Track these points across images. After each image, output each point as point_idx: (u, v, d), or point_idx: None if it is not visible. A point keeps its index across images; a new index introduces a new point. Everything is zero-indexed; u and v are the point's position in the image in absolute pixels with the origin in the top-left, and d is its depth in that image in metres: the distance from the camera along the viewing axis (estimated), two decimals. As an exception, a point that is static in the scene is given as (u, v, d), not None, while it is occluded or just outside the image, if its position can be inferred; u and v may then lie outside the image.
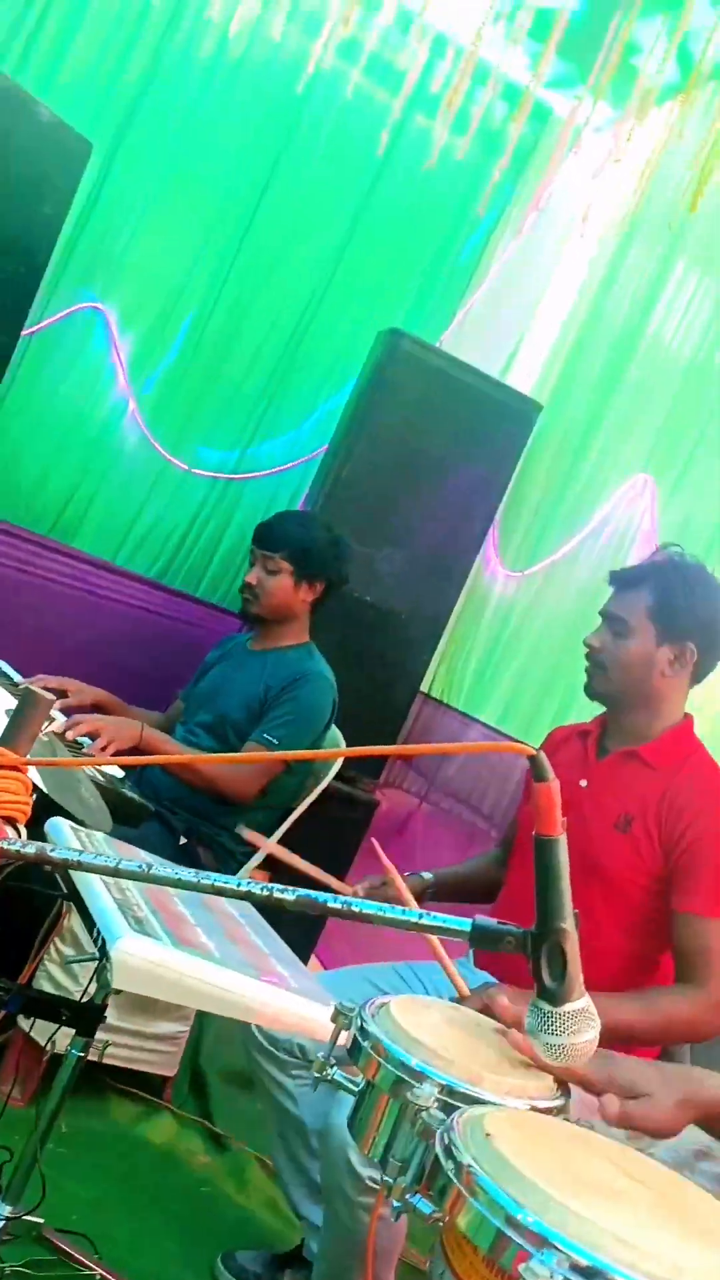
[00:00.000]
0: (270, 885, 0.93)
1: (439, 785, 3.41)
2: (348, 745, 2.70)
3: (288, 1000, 1.54)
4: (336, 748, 2.64)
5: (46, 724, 2.04)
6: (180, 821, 2.44)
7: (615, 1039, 1.33)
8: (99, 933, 1.51)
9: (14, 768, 0.99)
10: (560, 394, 3.50)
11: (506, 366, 3.65)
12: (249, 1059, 1.98)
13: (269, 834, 2.53)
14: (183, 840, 2.46)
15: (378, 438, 3.27)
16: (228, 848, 2.52)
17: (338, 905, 0.92)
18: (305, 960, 2.94)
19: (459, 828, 3.20)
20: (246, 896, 0.93)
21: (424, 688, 3.56)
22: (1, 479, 3.46)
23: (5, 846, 0.97)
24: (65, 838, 1.73)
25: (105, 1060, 2.30)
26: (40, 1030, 2.20)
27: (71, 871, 1.64)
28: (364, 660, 3.30)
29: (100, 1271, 1.78)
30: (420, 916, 0.90)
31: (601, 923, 1.81)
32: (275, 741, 2.44)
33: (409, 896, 1.72)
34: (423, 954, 1.91)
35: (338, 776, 2.67)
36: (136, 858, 1.78)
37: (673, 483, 2.82)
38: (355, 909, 0.92)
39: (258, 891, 0.92)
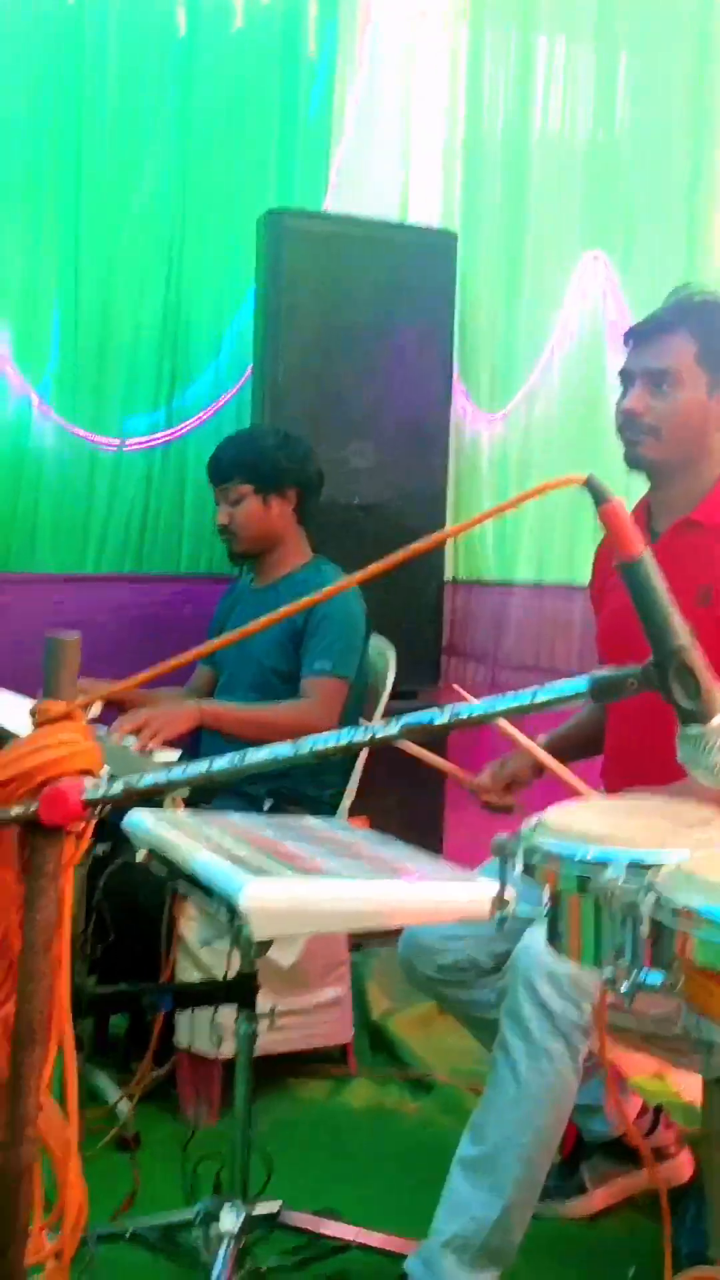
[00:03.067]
0: (372, 727, 0.94)
1: (501, 663, 3.42)
2: (395, 661, 2.70)
3: (435, 889, 1.57)
4: (383, 657, 2.65)
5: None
6: (260, 789, 2.46)
7: None
8: (221, 898, 1.54)
9: (66, 716, 1.00)
10: (470, 214, 3.45)
11: (404, 206, 3.59)
12: (431, 995, 2.02)
13: (348, 771, 2.56)
14: (267, 805, 2.48)
15: (299, 332, 3.24)
16: (314, 797, 2.54)
17: (445, 719, 0.93)
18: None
19: (542, 723, 3.21)
20: (348, 750, 0.94)
21: (449, 575, 3.55)
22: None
23: (92, 796, 0.98)
24: (148, 828, 1.76)
25: (279, 1051, 2.38)
26: (202, 1041, 2.24)
27: (173, 855, 1.67)
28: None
29: (356, 1237, 1.83)
30: (533, 696, 0.91)
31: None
32: (330, 667, 2.45)
33: (534, 749, 1.74)
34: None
35: (394, 695, 2.68)
36: (224, 822, 1.81)
37: (621, 257, 2.79)
38: (464, 715, 0.93)
39: (360, 738, 0.93)
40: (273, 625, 2.55)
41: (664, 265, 2.67)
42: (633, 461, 1.93)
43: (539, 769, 2.10)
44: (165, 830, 1.73)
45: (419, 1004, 2.80)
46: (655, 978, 0.93)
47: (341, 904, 1.50)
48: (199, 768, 0.97)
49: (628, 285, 2.79)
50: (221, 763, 0.96)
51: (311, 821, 1.96)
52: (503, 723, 1.85)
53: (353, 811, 2.62)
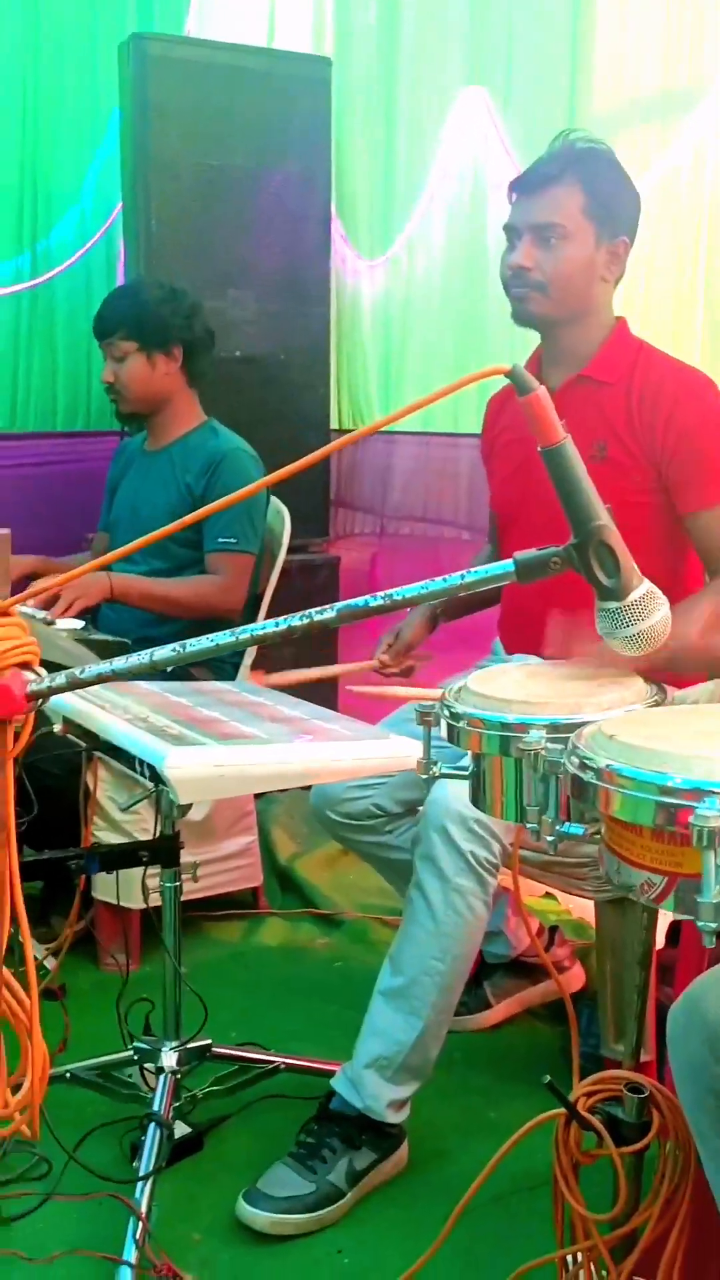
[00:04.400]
0: (309, 612, 0.98)
1: (391, 513, 3.46)
2: (289, 522, 2.72)
3: (352, 748, 1.64)
4: (279, 517, 2.66)
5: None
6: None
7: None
8: (143, 764, 1.59)
9: (3, 613, 1.01)
10: (342, 38, 3.29)
11: (271, 30, 3.41)
12: (341, 841, 2.12)
13: (252, 622, 2.59)
14: (170, 669, 2.50)
15: (169, 169, 3.10)
16: (216, 661, 2.58)
17: (380, 602, 0.97)
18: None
19: (430, 548, 3.28)
20: (289, 634, 0.98)
21: (334, 424, 3.54)
22: None
23: (36, 688, 1.00)
24: (63, 701, 1.77)
25: (194, 897, 2.48)
26: (120, 894, 2.32)
27: (91, 726, 1.70)
28: (263, 419, 3.26)
29: (282, 1060, 1.97)
30: (462, 578, 0.96)
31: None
32: (234, 540, 2.46)
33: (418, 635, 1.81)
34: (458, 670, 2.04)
35: (288, 550, 2.71)
36: (137, 691, 1.84)
37: (503, 95, 2.72)
38: (399, 597, 0.97)
39: (299, 623, 0.97)
40: (166, 488, 2.57)
41: (545, 102, 2.61)
42: (521, 317, 1.95)
43: (429, 628, 2.18)
44: (80, 702, 1.75)
45: (323, 846, 2.94)
46: (576, 829, 1.02)
47: (262, 767, 1.56)
48: (142, 659, 1.00)
49: (509, 122, 2.73)
50: (164, 652, 0.99)
51: (220, 685, 2.01)
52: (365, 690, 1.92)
53: (253, 664, 2.67)
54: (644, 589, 0.98)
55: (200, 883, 2.50)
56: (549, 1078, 1.24)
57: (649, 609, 0.98)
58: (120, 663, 1.00)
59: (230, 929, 2.67)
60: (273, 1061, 1.96)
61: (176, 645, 1.00)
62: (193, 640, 1.00)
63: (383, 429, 3.38)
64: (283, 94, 3.14)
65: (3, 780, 1.03)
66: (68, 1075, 1.89)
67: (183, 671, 2.51)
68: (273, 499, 2.68)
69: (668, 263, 2.35)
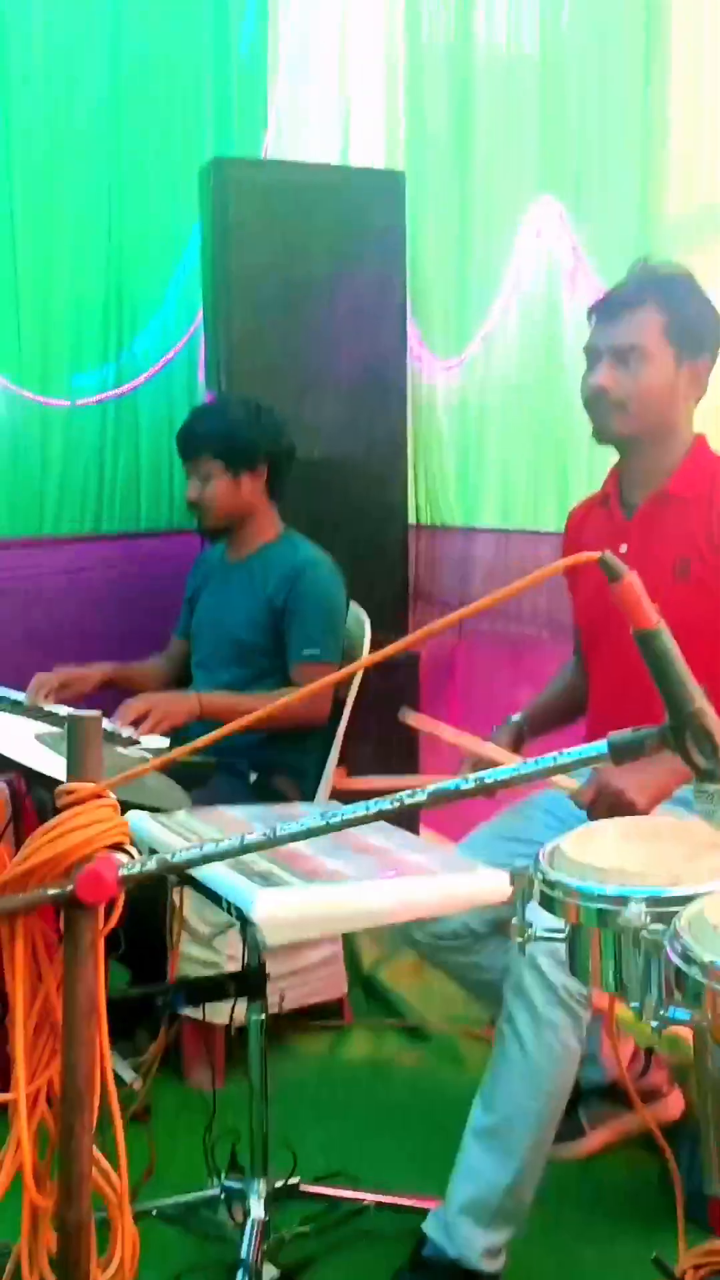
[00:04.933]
0: (400, 794, 0.97)
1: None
2: (370, 628, 2.72)
3: (440, 884, 1.62)
4: (359, 624, 2.66)
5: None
6: (244, 763, 2.48)
7: None
8: (229, 903, 1.57)
9: (97, 795, 1.01)
10: (415, 150, 3.36)
11: (346, 146, 3.49)
12: (429, 960, 2.08)
13: (331, 735, 2.59)
14: (253, 777, 2.51)
15: (249, 284, 3.17)
16: (298, 766, 2.58)
17: (471, 786, 0.95)
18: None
19: (511, 646, 3.24)
20: (379, 817, 0.96)
21: (411, 519, 3.55)
22: None
23: (127, 873, 1.00)
24: (149, 830, 1.78)
25: (274, 1011, 2.45)
26: (208, 1011, 2.31)
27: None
28: (343, 521, 3.29)
29: (372, 1198, 1.92)
30: (554, 760, 0.94)
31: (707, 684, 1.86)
32: (318, 652, 2.47)
33: (500, 753, 1.78)
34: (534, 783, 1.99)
35: (373, 645, 2.71)
36: (220, 819, 1.84)
37: (574, 202, 2.75)
38: (490, 780, 0.95)
39: (389, 807, 0.96)
40: (247, 599, 2.59)
41: (617, 209, 2.63)
42: (603, 437, 1.94)
43: (514, 748, 2.14)
44: (166, 835, 1.75)
45: (408, 953, 2.88)
46: (682, 1014, 0.97)
47: (349, 907, 1.54)
48: (233, 842, 0.99)
49: (581, 228, 2.74)
50: (254, 838, 0.98)
51: (304, 809, 1.99)
52: (420, 719, 1.89)
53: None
54: (745, 770, 0.95)
55: (285, 995, 2.50)
56: (656, 1253, 1.18)
57: (751, 791, 0.95)
58: (211, 847, 0.99)
59: (315, 1042, 2.62)
60: (363, 1199, 1.91)
61: (268, 830, 0.99)
62: (284, 823, 0.98)
63: (462, 527, 3.44)
64: (357, 207, 3.21)
65: (94, 960, 1.03)
66: (153, 1212, 1.86)
67: (267, 788, 2.52)
68: (352, 605, 2.69)
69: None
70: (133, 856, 1.03)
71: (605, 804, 1.69)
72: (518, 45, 2.98)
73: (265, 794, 2.51)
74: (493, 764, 1.89)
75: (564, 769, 0.94)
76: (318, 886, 1.54)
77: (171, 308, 3.66)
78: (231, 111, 3.58)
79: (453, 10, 3.17)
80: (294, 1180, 1.83)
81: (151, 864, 0.98)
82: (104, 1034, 1.05)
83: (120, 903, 1.05)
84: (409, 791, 0.96)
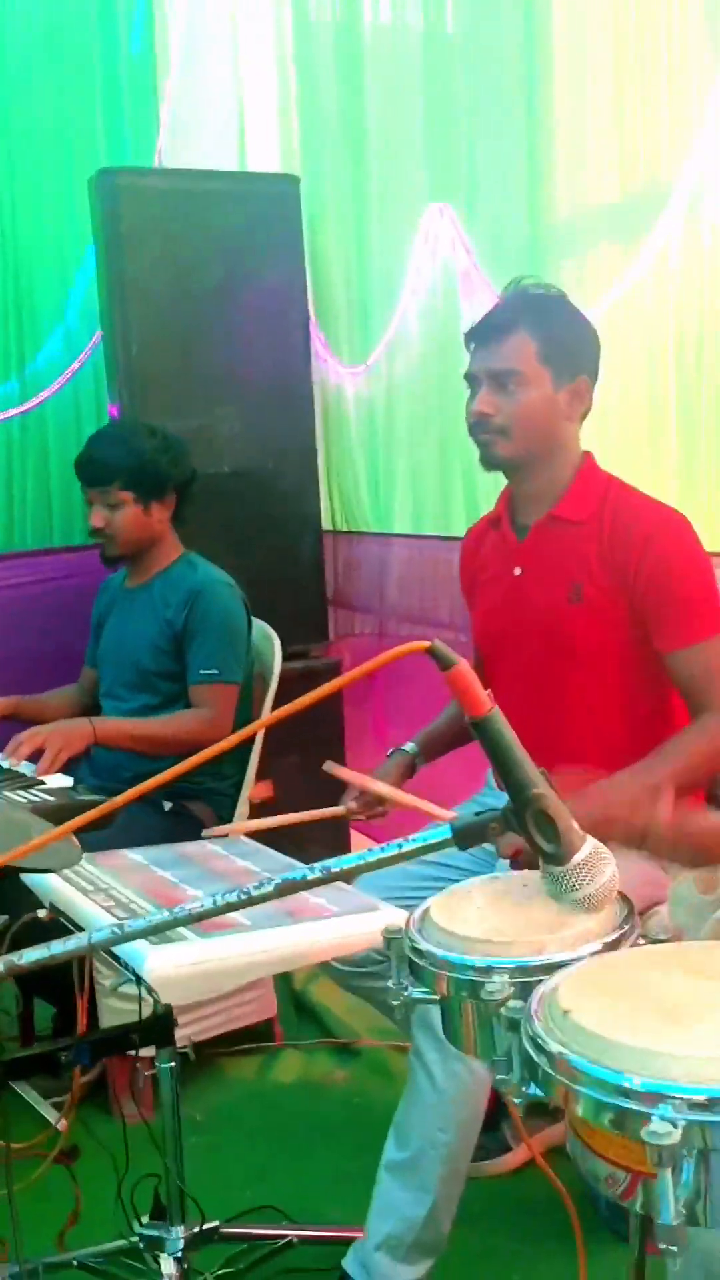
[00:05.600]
0: (248, 888, 0.95)
1: (389, 614, 3.43)
2: (277, 620, 2.70)
3: (337, 927, 1.60)
4: (268, 641, 2.64)
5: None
6: (157, 792, 2.44)
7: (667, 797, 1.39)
8: (123, 961, 1.55)
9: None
10: (310, 151, 3.31)
11: (241, 151, 3.44)
12: (343, 986, 2.07)
13: (245, 757, 2.56)
14: (167, 806, 2.48)
15: (147, 294, 3.11)
16: (214, 789, 2.55)
17: (318, 875, 0.93)
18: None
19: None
20: (229, 908, 0.94)
21: (326, 525, 3.53)
22: None
23: (5, 966, 0.97)
24: (50, 887, 1.75)
25: (207, 1036, 2.43)
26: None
27: (75, 916, 1.67)
28: (257, 531, 3.27)
29: (293, 1234, 1.91)
30: (400, 847, 0.92)
31: (594, 706, 1.87)
32: (216, 672, 2.44)
33: (392, 792, 1.77)
34: (450, 804, 1.98)
35: (287, 657, 2.68)
36: (122, 866, 1.81)
37: (466, 208, 2.72)
38: (336, 869, 0.93)
39: (236, 900, 0.94)
40: (148, 624, 2.55)
41: (507, 214, 2.61)
42: (488, 462, 1.93)
43: (406, 776, 2.13)
44: (65, 887, 1.72)
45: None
46: (545, 1092, 0.96)
47: (245, 960, 1.52)
48: (80, 943, 0.96)
49: (473, 233, 2.72)
50: (101, 935, 0.95)
51: (209, 850, 1.97)
52: (334, 767, 1.89)
53: (258, 775, 2.63)
54: (588, 850, 0.94)
55: (211, 1020, 2.49)
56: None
57: (595, 870, 0.94)
58: (58, 946, 0.96)
59: (245, 1065, 2.61)
60: (285, 1235, 1.90)
61: (116, 927, 0.96)
62: (246, 885, 0.95)
63: (376, 533, 3.41)
64: (253, 213, 3.16)
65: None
66: (74, 1263, 1.84)
67: (181, 815, 2.49)
68: (260, 624, 2.66)
69: (639, 377, 2.31)
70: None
71: (530, 855, 1.68)
72: (405, 38, 2.93)
73: (181, 820, 2.48)
74: (401, 806, 1.89)
75: (409, 855, 0.92)
76: (212, 940, 1.52)
77: (74, 320, 3.59)
78: (123, 115, 3.51)
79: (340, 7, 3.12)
80: (212, 1224, 1.81)
81: (35, 954, 0.95)
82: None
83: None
84: (257, 885, 0.94)
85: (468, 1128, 1.74)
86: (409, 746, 2.14)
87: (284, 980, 2.84)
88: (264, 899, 0.93)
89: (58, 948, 0.97)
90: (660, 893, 1.64)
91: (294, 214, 3.21)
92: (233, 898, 0.93)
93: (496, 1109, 2.18)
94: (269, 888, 0.93)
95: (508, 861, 1.68)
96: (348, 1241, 1.82)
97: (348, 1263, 1.76)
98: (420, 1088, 1.73)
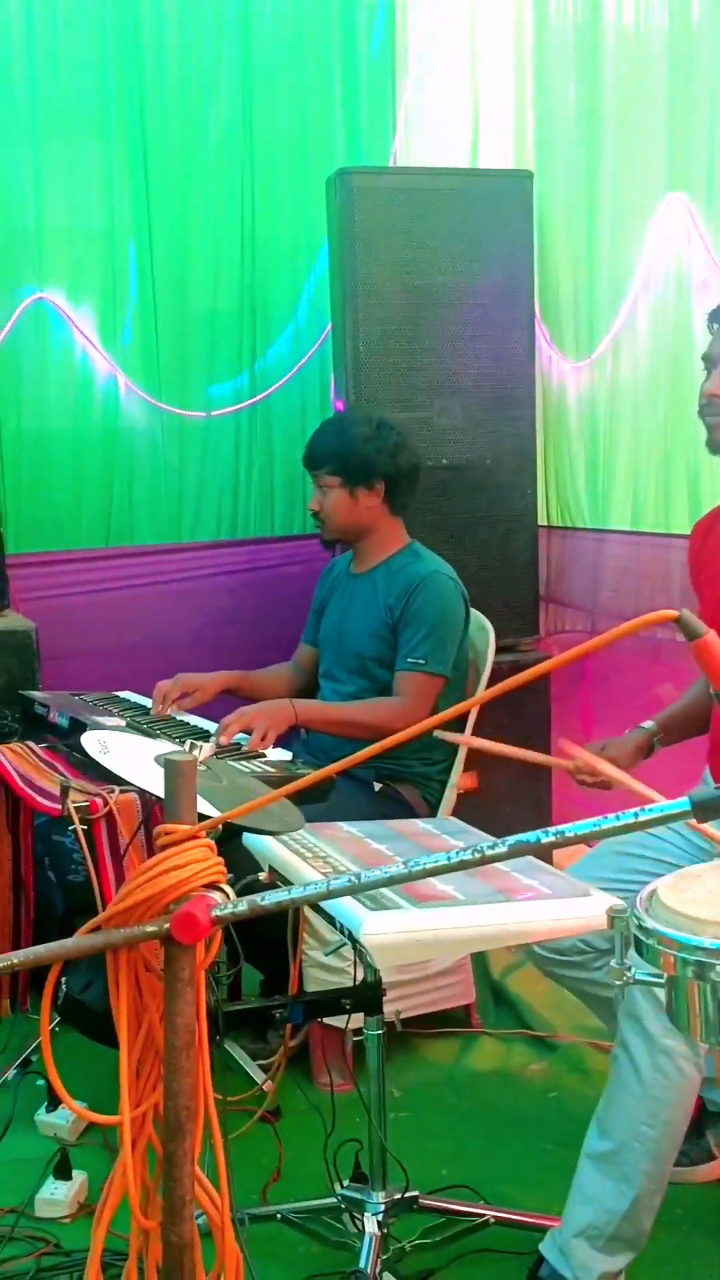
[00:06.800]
0: (480, 845, 0.97)
1: (601, 612, 3.39)
2: (488, 613, 2.72)
3: (550, 909, 1.61)
4: (483, 633, 2.66)
5: (197, 751, 2.13)
6: (365, 770, 2.51)
7: None
8: (340, 924, 1.60)
9: (193, 836, 1.05)
10: (544, 146, 3.31)
11: (474, 149, 3.46)
12: (548, 975, 2.07)
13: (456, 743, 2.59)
14: (377, 787, 2.53)
15: (377, 292, 3.18)
16: (423, 774, 2.59)
17: (551, 839, 0.95)
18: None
19: (646, 646, 3.17)
20: (460, 867, 0.97)
21: (542, 520, 3.51)
22: (40, 514, 3.51)
23: (220, 913, 1.03)
24: (270, 850, 1.82)
25: (406, 1015, 2.47)
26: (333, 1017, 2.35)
27: (294, 879, 1.74)
28: (473, 523, 3.29)
29: (490, 1214, 1.93)
30: (635, 816, 0.93)
31: None
32: (423, 661, 2.47)
33: (619, 775, 1.75)
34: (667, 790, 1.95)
35: (497, 650, 2.70)
36: (339, 837, 1.87)
37: (705, 201, 2.66)
38: (570, 834, 0.95)
39: (470, 857, 0.96)
40: (368, 611, 2.62)
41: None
42: (715, 445, 1.88)
43: (642, 754, 2.10)
44: (285, 852, 1.79)
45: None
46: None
47: (457, 934, 1.54)
48: (319, 887, 1.01)
49: (711, 227, 2.66)
50: (339, 883, 1.00)
51: (422, 828, 2.01)
52: (568, 744, 1.87)
53: (465, 765, 2.64)
54: None
55: (412, 1000, 2.53)
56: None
57: None
58: (298, 890, 1.02)
59: (442, 1048, 2.64)
60: (482, 1215, 1.92)
61: (353, 876, 1.00)
62: (368, 872, 1.00)
63: (593, 529, 3.38)
64: (485, 210, 3.18)
65: (193, 994, 1.06)
66: (278, 1217, 1.91)
67: (391, 797, 2.54)
68: (476, 615, 2.68)
69: None
70: (228, 896, 1.06)
71: None
72: (647, 36, 2.90)
73: (389, 802, 2.53)
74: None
75: (643, 825, 0.92)
76: (426, 910, 1.55)
77: (304, 316, 3.71)
78: (360, 116, 3.59)
79: (583, 12, 3.11)
80: (412, 1194, 1.84)
81: (243, 905, 1.01)
82: (205, 1064, 1.09)
83: (218, 939, 1.09)
84: (490, 843, 0.96)
85: (674, 1126, 1.71)
86: (648, 724, 2.11)
87: (482, 969, 2.85)
88: (498, 858, 0.95)
89: (298, 892, 1.02)
90: None
91: (525, 209, 3.21)
92: (467, 855, 0.96)
93: (701, 1117, 2.14)
94: (502, 848, 0.95)
95: None
96: (543, 1229, 1.83)
97: (545, 1247, 1.76)
98: (625, 1080, 1.71)
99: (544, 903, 1.61)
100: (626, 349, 3.06)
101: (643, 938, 1.09)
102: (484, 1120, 2.36)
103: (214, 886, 1.06)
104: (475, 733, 2.63)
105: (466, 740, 2.23)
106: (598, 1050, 2.54)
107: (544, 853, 2.78)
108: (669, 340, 2.87)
